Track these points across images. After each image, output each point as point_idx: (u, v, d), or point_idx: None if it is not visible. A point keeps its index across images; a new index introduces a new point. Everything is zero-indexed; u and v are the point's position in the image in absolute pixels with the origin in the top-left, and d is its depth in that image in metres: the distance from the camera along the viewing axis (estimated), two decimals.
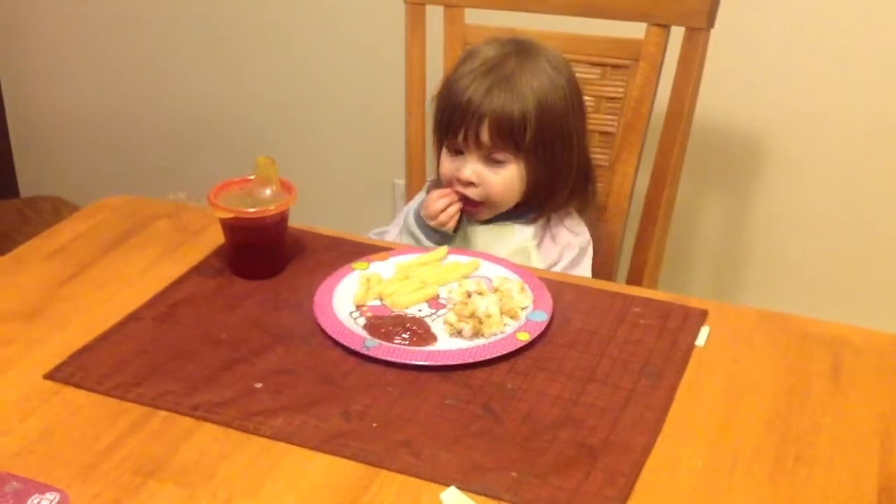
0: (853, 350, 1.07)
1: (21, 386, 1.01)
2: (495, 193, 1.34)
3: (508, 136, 1.30)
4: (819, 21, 1.84)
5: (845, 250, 1.98)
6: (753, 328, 1.12)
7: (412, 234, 1.40)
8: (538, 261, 1.36)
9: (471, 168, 1.33)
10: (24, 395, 0.99)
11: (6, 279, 1.22)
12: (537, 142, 1.31)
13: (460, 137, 1.33)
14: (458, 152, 1.35)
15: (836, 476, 0.89)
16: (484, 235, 1.39)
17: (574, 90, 1.36)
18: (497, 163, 1.33)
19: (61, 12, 2.51)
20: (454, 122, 1.33)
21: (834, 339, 1.09)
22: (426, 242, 1.37)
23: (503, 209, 1.37)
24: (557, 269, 1.36)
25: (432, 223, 1.36)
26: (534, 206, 1.37)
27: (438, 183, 1.43)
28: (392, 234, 1.46)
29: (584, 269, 1.39)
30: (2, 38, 2.59)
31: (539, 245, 1.38)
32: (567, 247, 1.38)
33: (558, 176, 1.35)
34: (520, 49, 1.35)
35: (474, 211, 1.38)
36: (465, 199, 1.36)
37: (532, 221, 1.38)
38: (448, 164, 1.37)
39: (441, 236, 1.37)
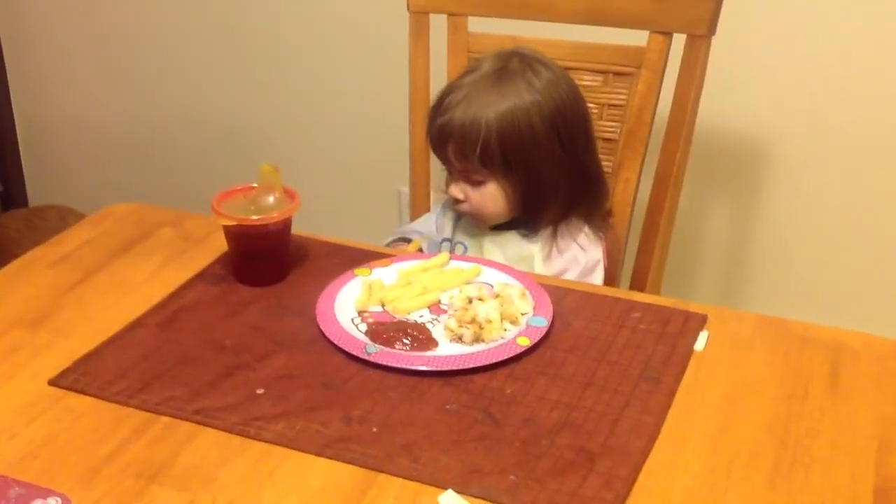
0: (852, 355, 1.07)
1: (26, 392, 1.02)
2: (479, 209, 1.37)
3: (469, 156, 1.32)
4: (820, 26, 1.85)
5: (848, 256, 1.98)
6: (753, 333, 1.12)
7: None
8: (541, 271, 1.37)
9: (455, 186, 1.38)
10: (29, 401, 1.00)
11: (12, 286, 1.23)
12: (509, 160, 1.32)
13: (441, 159, 1.39)
14: (450, 171, 1.40)
15: (833, 479, 0.89)
16: (490, 242, 1.41)
17: (561, 110, 1.34)
18: (477, 182, 1.35)
19: (68, 22, 2.53)
20: (432, 145, 1.39)
21: (833, 344, 1.09)
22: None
23: (498, 220, 1.40)
24: None
25: None
26: (530, 218, 1.39)
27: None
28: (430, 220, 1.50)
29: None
30: (10, 47, 2.61)
31: (547, 257, 1.39)
32: (572, 261, 1.39)
33: (547, 190, 1.35)
34: (500, 71, 1.35)
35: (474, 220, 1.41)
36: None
37: (535, 233, 1.39)
38: (447, 184, 1.41)
39: None
